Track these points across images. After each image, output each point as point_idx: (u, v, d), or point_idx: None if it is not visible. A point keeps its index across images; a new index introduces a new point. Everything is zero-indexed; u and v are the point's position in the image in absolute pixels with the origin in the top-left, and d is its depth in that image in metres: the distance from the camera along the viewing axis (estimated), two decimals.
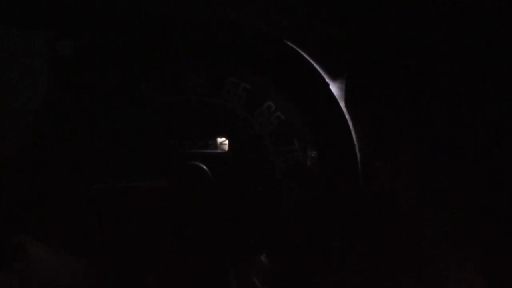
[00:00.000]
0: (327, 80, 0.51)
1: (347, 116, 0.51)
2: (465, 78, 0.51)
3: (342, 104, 0.51)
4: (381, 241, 0.52)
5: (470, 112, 0.52)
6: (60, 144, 0.53)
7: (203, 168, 0.51)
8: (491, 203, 0.51)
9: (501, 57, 0.51)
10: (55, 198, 0.52)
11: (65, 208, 0.52)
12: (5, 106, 0.52)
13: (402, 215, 0.52)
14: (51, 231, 0.52)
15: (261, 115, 0.52)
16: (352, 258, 0.52)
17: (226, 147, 0.52)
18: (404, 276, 0.51)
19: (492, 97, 0.51)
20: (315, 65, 0.51)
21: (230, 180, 0.52)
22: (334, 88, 0.51)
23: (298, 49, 0.51)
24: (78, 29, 0.53)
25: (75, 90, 0.53)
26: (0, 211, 0.51)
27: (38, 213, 0.52)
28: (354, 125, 0.51)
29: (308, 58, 0.51)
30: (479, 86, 0.52)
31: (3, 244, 0.51)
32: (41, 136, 0.52)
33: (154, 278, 0.52)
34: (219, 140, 0.52)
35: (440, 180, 0.51)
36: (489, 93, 0.52)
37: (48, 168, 0.52)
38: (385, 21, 0.51)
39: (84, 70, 0.53)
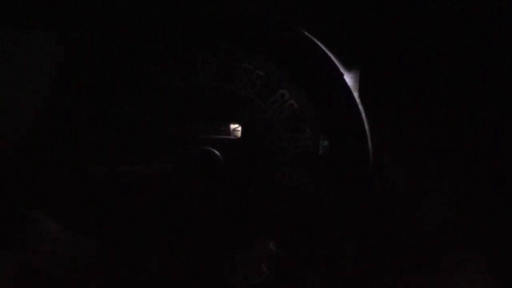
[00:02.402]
0: (342, 70, 0.51)
1: (360, 107, 0.51)
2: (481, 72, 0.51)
3: (355, 95, 0.51)
4: (388, 233, 0.52)
5: (475, 111, 0.52)
6: (73, 125, 0.53)
7: (215, 153, 0.51)
8: (492, 203, 0.51)
9: None
10: (67, 178, 0.53)
11: (76, 188, 0.53)
12: (5, 106, 0.53)
13: (410, 209, 0.52)
14: (63, 209, 0.52)
15: (274, 103, 0.52)
16: (360, 248, 0.52)
17: (239, 134, 0.53)
18: (405, 276, 0.52)
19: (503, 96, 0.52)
20: (330, 54, 0.51)
21: (241, 166, 0.52)
22: (348, 78, 0.51)
23: (313, 39, 0.51)
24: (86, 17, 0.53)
25: (86, 73, 0.53)
26: (14, 188, 0.52)
27: (50, 192, 0.52)
28: (367, 116, 0.51)
29: (323, 47, 0.51)
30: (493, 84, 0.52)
31: (15, 219, 0.51)
32: (52, 117, 0.53)
33: (160, 261, 0.53)
34: (232, 126, 0.53)
35: (452, 173, 0.52)
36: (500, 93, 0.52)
37: (60, 148, 0.53)
38: (401, 13, 0.51)
39: (95, 53, 0.53)
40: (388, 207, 0.52)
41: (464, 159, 0.52)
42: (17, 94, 0.53)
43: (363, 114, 0.51)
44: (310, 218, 0.52)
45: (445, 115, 0.52)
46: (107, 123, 0.53)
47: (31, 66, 0.52)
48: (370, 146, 0.51)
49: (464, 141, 0.52)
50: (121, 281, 0.53)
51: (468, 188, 0.52)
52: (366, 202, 0.51)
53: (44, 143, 0.52)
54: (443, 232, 0.52)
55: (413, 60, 0.52)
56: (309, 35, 0.51)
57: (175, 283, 0.53)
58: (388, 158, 0.52)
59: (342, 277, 0.52)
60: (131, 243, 0.53)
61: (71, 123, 0.53)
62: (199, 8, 0.53)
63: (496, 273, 0.51)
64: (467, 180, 0.52)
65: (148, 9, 0.53)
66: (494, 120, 0.52)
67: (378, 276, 0.52)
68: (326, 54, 0.51)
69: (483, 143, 0.52)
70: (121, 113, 0.53)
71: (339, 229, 0.52)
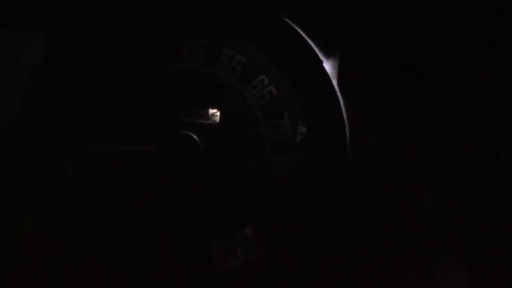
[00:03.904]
0: (321, 57, 0.51)
1: (339, 94, 0.51)
2: (458, 58, 0.52)
3: (334, 82, 0.51)
4: (367, 219, 0.52)
5: (468, 106, 0.52)
6: (53, 109, 0.53)
7: (193, 137, 0.51)
8: (491, 203, 0.51)
9: None
10: (45, 161, 0.53)
11: (55, 170, 0.53)
12: (5, 106, 0.53)
13: (390, 195, 0.52)
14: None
15: (253, 89, 0.52)
16: (338, 236, 0.52)
17: (217, 119, 0.53)
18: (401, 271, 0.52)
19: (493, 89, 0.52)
20: (309, 42, 0.51)
21: (219, 151, 0.52)
22: (327, 66, 0.52)
23: (293, 25, 0.52)
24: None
25: (71, 55, 0.53)
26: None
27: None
28: (345, 104, 0.51)
29: (303, 34, 0.52)
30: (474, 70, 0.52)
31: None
32: (33, 101, 0.53)
33: (141, 245, 0.53)
34: (211, 111, 0.53)
35: (430, 160, 0.52)
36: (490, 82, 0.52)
37: (40, 131, 0.53)
38: (381, 1, 0.52)
39: (82, 36, 0.53)
40: (376, 187, 0.52)
41: (456, 152, 0.52)
42: (17, 94, 0.53)
43: (342, 102, 0.51)
44: (289, 205, 0.52)
45: (425, 101, 0.52)
46: (87, 106, 0.53)
47: (31, 66, 0.53)
48: (347, 133, 0.51)
49: (450, 132, 0.52)
50: (100, 265, 0.53)
51: (466, 186, 0.52)
52: (346, 188, 0.51)
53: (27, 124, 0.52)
54: (442, 232, 0.52)
55: (392, 48, 0.52)
56: (290, 22, 0.52)
57: (152, 268, 0.53)
58: (366, 144, 0.52)
59: (335, 276, 0.52)
60: (108, 228, 0.53)
61: (52, 106, 0.53)
62: None
63: (496, 273, 0.51)
64: (466, 177, 0.52)
65: None
66: (493, 118, 0.52)
67: (378, 276, 0.52)
68: (306, 41, 0.51)
69: (474, 129, 0.52)
70: (100, 95, 0.53)
71: (318, 216, 0.52)
